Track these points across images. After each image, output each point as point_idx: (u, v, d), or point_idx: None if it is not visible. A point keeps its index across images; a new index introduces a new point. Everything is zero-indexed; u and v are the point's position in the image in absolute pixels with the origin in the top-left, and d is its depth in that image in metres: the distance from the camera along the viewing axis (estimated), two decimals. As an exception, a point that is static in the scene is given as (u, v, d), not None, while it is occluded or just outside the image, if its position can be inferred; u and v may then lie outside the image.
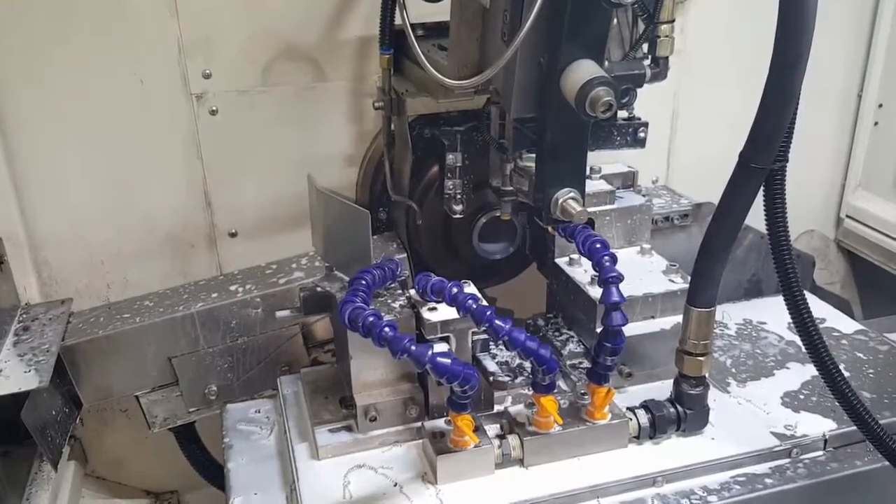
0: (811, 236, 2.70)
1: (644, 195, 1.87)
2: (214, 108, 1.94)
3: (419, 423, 1.45)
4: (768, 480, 1.40)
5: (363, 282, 1.38)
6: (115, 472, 2.18)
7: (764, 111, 1.20)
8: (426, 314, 1.40)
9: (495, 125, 1.59)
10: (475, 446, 1.35)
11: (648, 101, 1.71)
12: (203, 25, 1.87)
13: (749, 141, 1.24)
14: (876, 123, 2.54)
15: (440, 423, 1.41)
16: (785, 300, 1.33)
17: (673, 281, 1.65)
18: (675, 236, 2.02)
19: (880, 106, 2.52)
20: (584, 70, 1.33)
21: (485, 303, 1.32)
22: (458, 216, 1.76)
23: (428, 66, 1.48)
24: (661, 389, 1.51)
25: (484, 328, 1.31)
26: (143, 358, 1.69)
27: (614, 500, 1.36)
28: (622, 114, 1.76)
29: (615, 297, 1.35)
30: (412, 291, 1.46)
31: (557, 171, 1.48)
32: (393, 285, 1.48)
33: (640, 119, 1.79)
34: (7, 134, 1.81)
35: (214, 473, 2.06)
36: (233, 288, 1.74)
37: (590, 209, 1.70)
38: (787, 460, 1.45)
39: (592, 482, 1.36)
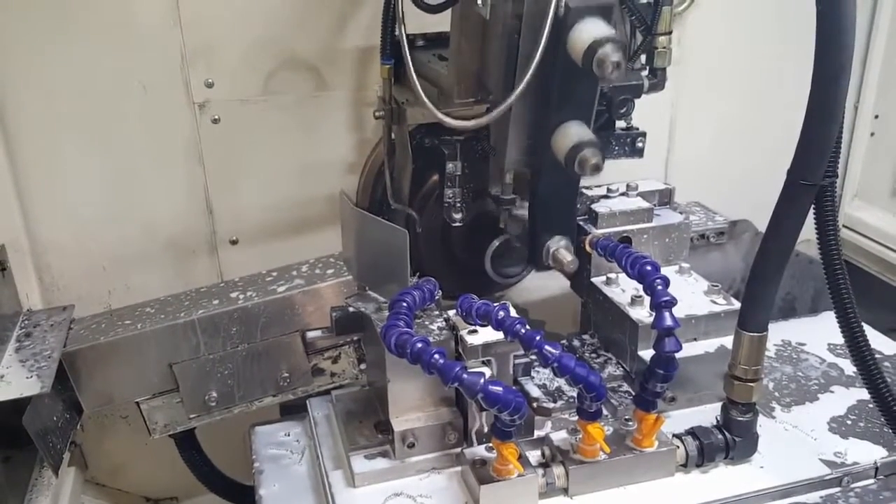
0: (808, 246, 2.71)
1: (680, 212, 1.82)
2: (217, 117, 1.96)
3: (458, 450, 1.40)
4: None
5: (404, 304, 1.33)
6: (114, 478, 2.18)
7: (809, 126, 1.16)
8: (468, 337, 1.35)
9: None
10: (519, 475, 1.30)
11: (646, 112, 1.73)
12: (205, 34, 1.88)
13: (796, 157, 1.19)
14: (872, 134, 2.56)
15: (480, 449, 1.36)
16: (838, 320, 1.30)
17: (715, 302, 1.59)
18: (710, 254, 1.97)
19: (876, 117, 2.53)
20: (572, 133, 1.37)
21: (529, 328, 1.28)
22: (457, 224, 1.77)
23: (426, 101, 1.51)
24: (704, 414, 1.47)
25: (533, 353, 1.27)
26: (144, 364, 1.70)
27: None
28: (620, 124, 1.78)
29: (668, 322, 1.30)
30: (451, 313, 1.42)
31: (549, 220, 1.53)
32: (430, 306, 1.43)
33: (637, 129, 1.80)
34: (10, 140, 1.82)
35: (214, 480, 2.06)
36: (234, 295, 1.75)
37: (628, 227, 1.71)
38: (838, 489, 1.39)
39: None
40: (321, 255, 1.89)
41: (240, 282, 1.81)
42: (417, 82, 1.52)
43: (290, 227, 2.10)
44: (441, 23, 1.68)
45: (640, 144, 1.80)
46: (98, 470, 2.15)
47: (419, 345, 1.20)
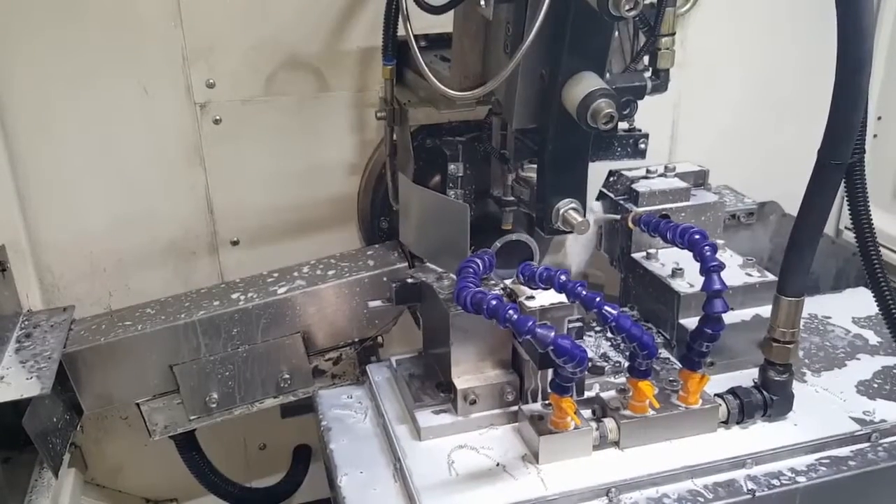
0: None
1: (715, 193, 1.94)
2: (218, 118, 1.95)
3: (515, 407, 1.50)
4: (851, 462, 1.45)
5: (471, 269, 1.42)
6: (114, 479, 2.18)
7: (835, 112, 1.26)
8: (526, 302, 1.44)
9: (497, 136, 1.60)
10: (575, 428, 1.40)
11: (649, 113, 1.72)
12: (207, 35, 1.88)
13: (825, 140, 1.29)
14: (875, 136, 2.55)
15: (537, 406, 1.48)
16: (871, 288, 1.40)
17: (750, 275, 1.70)
18: (740, 234, 2.10)
19: (879, 118, 2.53)
20: (585, 82, 1.35)
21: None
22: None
23: (431, 77, 1.49)
24: (741, 378, 1.56)
25: (593, 313, 1.35)
26: (145, 365, 1.70)
27: (708, 480, 1.41)
28: (623, 125, 1.77)
29: (717, 285, 1.39)
30: (507, 281, 1.52)
31: (559, 182, 1.50)
32: (488, 274, 1.53)
33: (640, 130, 1.80)
34: (11, 141, 1.82)
35: (214, 481, 2.06)
36: (234, 296, 1.75)
37: (667, 206, 1.83)
38: (867, 444, 1.50)
39: (687, 463, 1.41)
40: (322, 256, 1.89)
41: (240, 283, 1.81)
42: (425, 66, 1.50)
43: (292, 228, 2.09)
44: (443, 24, 1.68)
45: (642, 146, 1.80)
46: (98, 471, 2.14)
47: (494, 301, 1.27)
